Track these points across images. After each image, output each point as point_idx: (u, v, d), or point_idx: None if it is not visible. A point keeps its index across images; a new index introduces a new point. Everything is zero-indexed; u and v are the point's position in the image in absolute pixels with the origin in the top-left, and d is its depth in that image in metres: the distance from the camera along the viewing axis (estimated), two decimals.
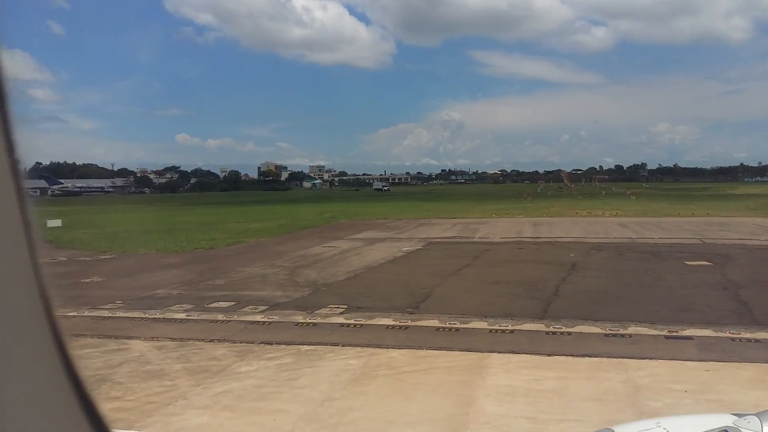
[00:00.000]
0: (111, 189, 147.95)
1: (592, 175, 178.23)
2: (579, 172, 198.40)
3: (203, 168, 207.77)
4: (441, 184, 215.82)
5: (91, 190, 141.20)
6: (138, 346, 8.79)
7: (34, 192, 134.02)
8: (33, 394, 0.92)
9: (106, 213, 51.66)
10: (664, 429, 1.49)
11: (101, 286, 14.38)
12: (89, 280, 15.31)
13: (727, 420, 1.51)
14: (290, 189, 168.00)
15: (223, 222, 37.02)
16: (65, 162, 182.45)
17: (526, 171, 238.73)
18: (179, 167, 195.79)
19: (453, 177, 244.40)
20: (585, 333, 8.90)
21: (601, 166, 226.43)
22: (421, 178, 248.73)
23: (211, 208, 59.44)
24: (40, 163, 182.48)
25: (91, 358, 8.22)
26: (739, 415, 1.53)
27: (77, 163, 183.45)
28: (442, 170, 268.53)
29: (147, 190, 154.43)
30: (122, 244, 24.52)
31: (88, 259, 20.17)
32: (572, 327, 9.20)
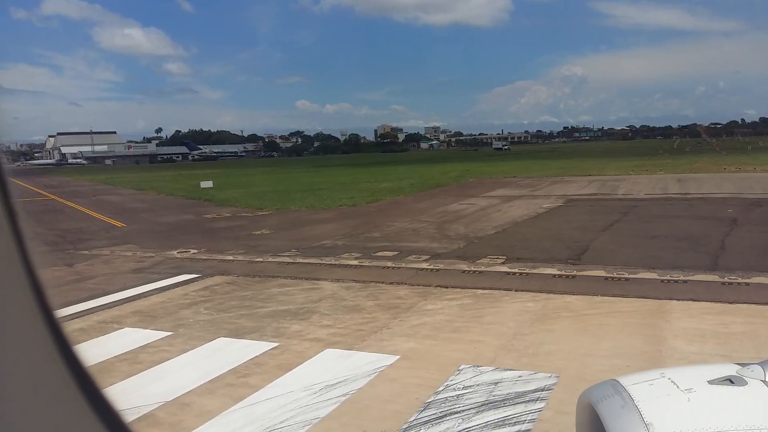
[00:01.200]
0: (243, 154, 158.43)
1: (733, 128, 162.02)
2: (718, 126, 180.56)
3: (324, 132, 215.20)
4: (564, 141, 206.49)
5: (226, 154, 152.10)
6: (327, 286, 9.90)
7: (176, 157, 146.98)
8: (35, 397, 0.85)
9: (246, 175, 55.55)
10: (669, 379, 1.50)
11: (272, 237, 15.98)
12: (259, 232, 17.04)
13: (731, 369, 1.53)
14: (408, 150, 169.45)
15: (354, 182, 38.63)
16: (201, 129, 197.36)
17: (658, 126, 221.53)
18: (303, 132, 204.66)
19: (576, 134, 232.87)
20: (765, 284, 8.70)
21: (743, 119, 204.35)
22: (541, 136, 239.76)
23: (337, 169, 61.91)
24: (180, 131, 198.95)
25: (292, 294, 9.44)
26: (743, 364, 1.56)
27: (212, 131, 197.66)
28: (564, 127, 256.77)
29: (275, 154, 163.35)
30: (272, 202, 26.64)
31: (249, 215, 22.26)
32: (749, 278, 9.01)
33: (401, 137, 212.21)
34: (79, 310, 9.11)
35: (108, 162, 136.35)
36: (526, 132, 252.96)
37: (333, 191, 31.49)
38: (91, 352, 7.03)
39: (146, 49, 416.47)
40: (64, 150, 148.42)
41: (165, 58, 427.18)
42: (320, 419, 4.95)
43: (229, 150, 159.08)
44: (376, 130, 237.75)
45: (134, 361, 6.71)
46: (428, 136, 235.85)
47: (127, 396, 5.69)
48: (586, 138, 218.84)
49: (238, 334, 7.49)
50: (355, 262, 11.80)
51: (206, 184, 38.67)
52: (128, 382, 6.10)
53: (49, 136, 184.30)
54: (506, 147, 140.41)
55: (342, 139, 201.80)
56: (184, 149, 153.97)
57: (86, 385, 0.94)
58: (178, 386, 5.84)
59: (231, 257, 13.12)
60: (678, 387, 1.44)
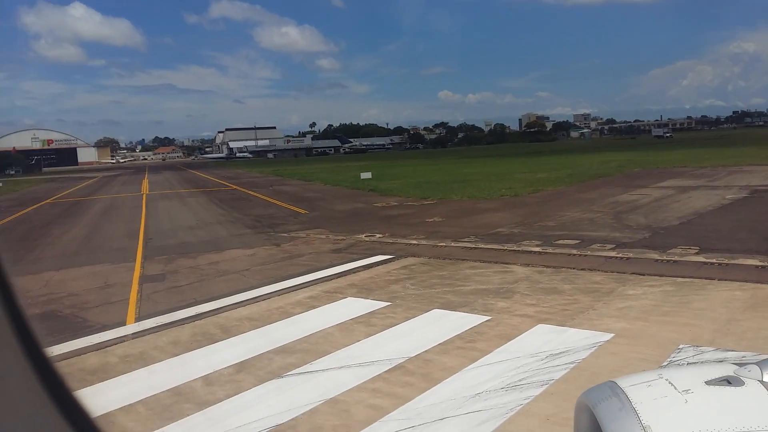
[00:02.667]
0: (390, 146, 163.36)
1: None
2: None
3: (467, 123, 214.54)
4: (734, 128, 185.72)
5: (374, 147, 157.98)
6: (519, 269, 10.46)
7: (329, 150, 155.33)
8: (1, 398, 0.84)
9: (397, 167, 57.54)
10: (666, 380, 1.49)
11: (446, 224, 16.85)
12: (431, 220, 18.01)
13: (729, 369, 1.51)
14: (556, 140, 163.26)
15: (507, 173, 38.51)
16: (350, 123, 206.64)
17: None
18: (447, 123, 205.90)
19: (747, 119, 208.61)
20: None
21: None
22: (706, 122, 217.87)
23: (486, 160, 61.78)
24: (331, 125, 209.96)
25: (486, 276, 10.14)
26: (740, 364, 1.54)
27: (360, 124, 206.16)
28: (734, 112, 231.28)
29: (420, 145, 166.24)
30: (432, 192, 27.62)
31: (415, 204, 23.43)
32: None
33: (548, 126, 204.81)
34: (303, 281, 10.60)
35: (269, 155, 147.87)
36: (689, 117, 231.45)
37: (488, 182, 31.77)
38: (326, 317, 8.30)
39: (301, 47, 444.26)
40: (231, 144, 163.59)
41: (317, 55, 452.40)
42: (555, 381, 5.56)
43: (377, 142, 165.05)
44: (520, 119, 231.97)
45: (368, 324, 7.81)
46: (577, 124, 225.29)
47: (374, 351, 6.73)
48: (760, 123, 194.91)
49: (449, 307, 8.34)
50: (537, 249, 12.20)
51: (366, 175, 40.84)
52: (370, 340, 7.17)
53: (218, 132, 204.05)
54: (668, 134, 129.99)
55: (486, 129, 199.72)
56: (336, 142, 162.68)
57: (53, 385, 0.93)
58: (416, 346, 6.78)
59: (414, 241, 14.16)
60: (675, 388, 1.43)
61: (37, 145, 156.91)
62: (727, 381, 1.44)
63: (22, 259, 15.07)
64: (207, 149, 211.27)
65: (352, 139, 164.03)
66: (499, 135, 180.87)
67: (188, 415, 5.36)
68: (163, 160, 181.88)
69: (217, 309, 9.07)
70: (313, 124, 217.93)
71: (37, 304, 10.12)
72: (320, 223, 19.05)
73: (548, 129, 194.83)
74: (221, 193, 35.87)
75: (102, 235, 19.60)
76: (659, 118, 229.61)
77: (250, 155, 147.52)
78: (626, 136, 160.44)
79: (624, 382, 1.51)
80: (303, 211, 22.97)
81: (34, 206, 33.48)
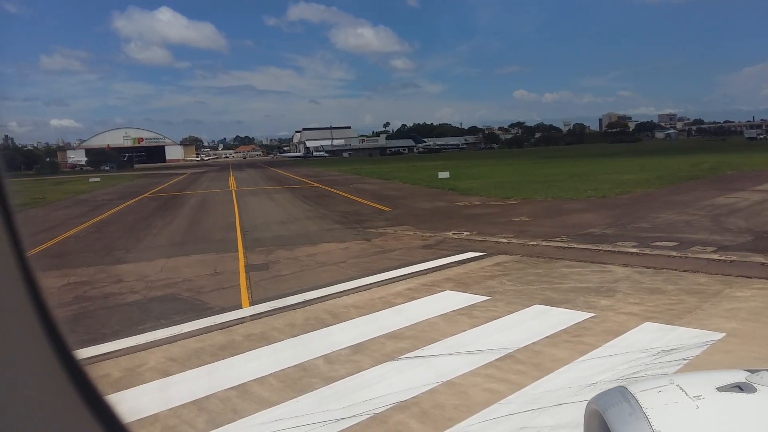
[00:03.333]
0: (464, 146, 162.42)
1: None
2: None
3: (544, 123, 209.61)
4: None
5: (448, 147, 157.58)
6: (617, 269, 10.41)
7: (403, 150, 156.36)
8: (32, 401, 0.85)
9: (474, 167, 57.25)
10: (677, 385, 1.46)
11: (534, 224, 16.82)
12: (518, 219, 18.02)
13: (740, 375, 1.48)
14: (640, 140, 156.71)
15: (592, 173, 37.56)
16: (423, 123, 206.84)
17: None
18: (524, 123, 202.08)
19: None
20: None
21: None
22: None
23: (566, 161, 60.36)
24: (405, 125, 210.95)
25: (584, 275, 10.17)
26: (752, 371, 1.50)
27: (433, 124, 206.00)
28: None
29: (495, 145, 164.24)
30: (513, 192, 27.45)
31: (498, 203, 23.42)
32: None
33: (631, 126, 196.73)
34: (399, 274, 11.01)
35: (345, 155, 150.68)
36: None
37: (570, 182, 31.18)
38: (428, 307, 8.65)
39: (375, 47, 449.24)
40: (308, 144, 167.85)
41: (391, 55, 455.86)
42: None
43: (451, 142, 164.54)
44: (600, 119, 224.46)
45: (471, 316, 8.10)
46: (662, 124, 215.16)
47: (481, 340, 7.01)
48: None
49: (550, 303, 8.48)
50: (634, 250, 12.04)
51: (443, 174, 41.01)
52: (475, 331, 7.45)
53: (295, 131, 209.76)
54: (761, 136, 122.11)
55: (565, 129, 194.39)
56: (410, 142, 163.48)
57: (84, 387, 0.93)
58: (522, 338, 7.00)
59: (504, 240, 14.28)
60: (687, 394, 1.41)
61: (129, 143, 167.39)
62: (739, 387, 1.41)
63: (135, 248, 16.40)
64: (285, 148, 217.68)
65: (425, 139, 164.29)
66: (578, 135, 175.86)
67: (317, 389, 5.85)
68: (244, 158, 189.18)
69: (323, 297, 9.63)
70: (387, 124, 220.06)
71: (158, 288, 11.09)
72: (405, 220, 19.47)
73: (631, 129, 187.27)
74: (304, 191, 37.13)
75: (202, 227, 20.90)
76: (751, 119, 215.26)
77: (326, 154, 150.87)
78: (716, 138, 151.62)
79: (634, 388, 1.50)
80: (386, 209, 23.49)
81: (134, 200, 35.96)
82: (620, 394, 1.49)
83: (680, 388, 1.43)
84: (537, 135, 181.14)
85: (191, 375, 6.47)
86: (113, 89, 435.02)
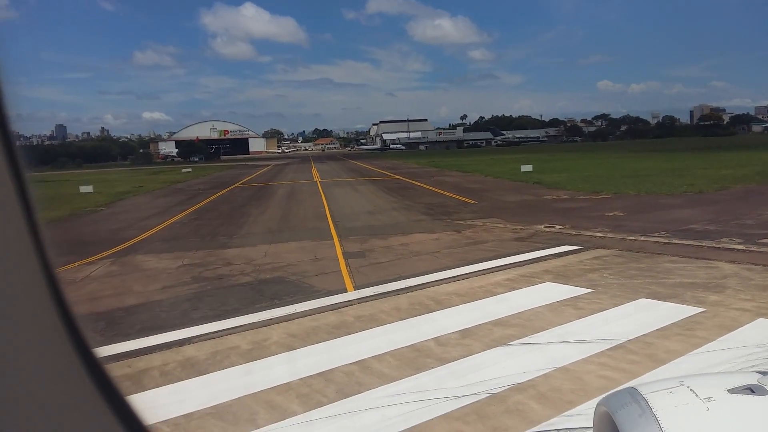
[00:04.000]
0: (545, 139, 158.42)
1: None
2: None
3: (631, 114, 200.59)
4: None
5: (529, 139, 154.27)
6: (724, 266, 10.11)
7: (480, 143, 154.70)
8: (52, 399, 0.86)
9: (558, 160, 55.85)
10: (688, 387, 1.42)
11: (629, 219, 16.42)
12: (612, 214, 17.64)
13: (752, 378, 1.41)
14: (735, 134, 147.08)
15: (684, 168, 35.82)
16: (503, 115, 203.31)
17: None
18: (609, 115, 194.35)
19: None
20: None
21: None
22: None
23: (656, 155, 57.73)
24: (483, 117, 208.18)
25: (689, 270, 9.95)
26: (764, 373, 1.43)
27: (512, 116, 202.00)
28: None
29: (578, 138, 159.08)
30: (602, 186, 26.70)
31: (588, 197, 22.94)
32: None
33: (725, 119, 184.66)
34: (495, 265, 11.20)
35: (421, 147, 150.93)
36: None
37: (663, 177, 29.92)
38: (530, 297, 8.79)
39: (453, 39, 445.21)
40: (384, 136, 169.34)
41: (469, 46, 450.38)
42: None
43: (531, 135, 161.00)
44: (691, 111, 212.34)
45: (575, 307, 8.19)
46: (760, 117, 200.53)
47: (590, 331, 7.11)
48: None
49: (657, 297, 8.41)
50: (740, 247, 11.60)
51: (526, 167, 40.36)
52: (581, 321, 7.55)
53: (372, 124, 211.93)
54: None
55: (653, 121, 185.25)
56: (488, 135, 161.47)
57: (105, 386, 0.94)
58: (631, 329, 7.04)
59: (600, 234, 14.09)
60: (697, 396, 1.38)
61: (215, 135, 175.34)
62: (751, 389, 1.38)
63: (235, 234, 17.45)
64: (362, 140, 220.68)
65: (504, 132, 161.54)
66: (668, 128, 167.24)
67: (433, 368, 6.20)
68: (322, 150, 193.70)
69: (423, 284, 9.99)
70: (464, 116, 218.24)
71: (266, 271, 11.84)
72: (492, 212, 19.51)
73: (725, 122, 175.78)
74: (386, 182, 37.74)
75: (294, 216, 21.86)
76: None
77: (403, 147, 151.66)
78: None
79: (644, 389, 1.47)
80: (471, 201, 23.57)
81: (226, 189, 37.88)
82: (630, 396, 1.47)
83: (691, 390, 1.41)
84: (623, 128, 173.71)
85: (313, 350, 6.99)
86: (200, 83, 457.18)
